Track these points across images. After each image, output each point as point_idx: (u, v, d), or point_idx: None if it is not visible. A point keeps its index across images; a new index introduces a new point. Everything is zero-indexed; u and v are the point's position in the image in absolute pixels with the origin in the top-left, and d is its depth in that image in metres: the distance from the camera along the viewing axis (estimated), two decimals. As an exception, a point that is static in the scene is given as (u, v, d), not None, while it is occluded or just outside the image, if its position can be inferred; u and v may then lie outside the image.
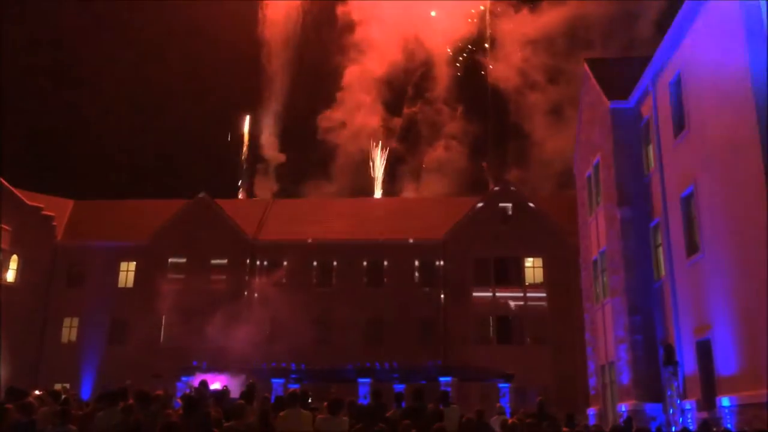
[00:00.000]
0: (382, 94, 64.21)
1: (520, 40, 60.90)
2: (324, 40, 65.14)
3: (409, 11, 63.26)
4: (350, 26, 63.40)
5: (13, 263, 37.36)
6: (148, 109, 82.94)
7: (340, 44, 65.06)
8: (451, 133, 63.97)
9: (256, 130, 64.49)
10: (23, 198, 38.02)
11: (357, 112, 63.17)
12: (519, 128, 73.20)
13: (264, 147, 63.41)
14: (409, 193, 55.35)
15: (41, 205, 38.68)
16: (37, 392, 13.28)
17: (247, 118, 64.62)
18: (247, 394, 11.42)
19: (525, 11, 62.83)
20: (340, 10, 64.09)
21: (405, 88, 66.98)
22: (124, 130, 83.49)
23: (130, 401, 9.99)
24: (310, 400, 12.48)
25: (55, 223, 39.11)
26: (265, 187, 60.32)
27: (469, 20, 61.91)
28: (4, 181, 37.61)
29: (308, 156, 65.66)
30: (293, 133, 66.06)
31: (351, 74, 63.67)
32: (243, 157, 63.32)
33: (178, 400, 12.59)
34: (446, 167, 60.39)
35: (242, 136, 64.84)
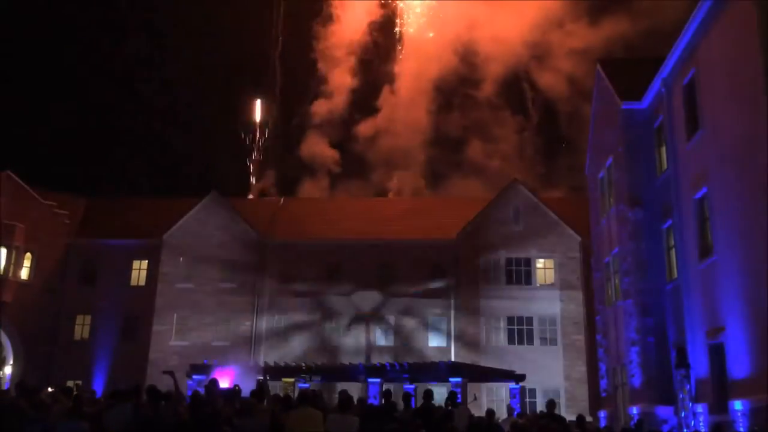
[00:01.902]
0: (431, 96, 64.62)
1: (574, 51, 61.20)
2: (380, 42, 65.38)
3: (465, 14, 63.63)
4: (404, 28, 63.67)
5: (27, 261, 37.63)
6: (171, 104, 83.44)
7: (392, 45, 65.33)
8: (500, 138, 64.50)
9: (303, 129, 65.05)
10: (37, 196, 38.29)
11: (404, 113, 63.66)
12: (559, 133, 73.51)
13: (312, 146, 63.94)
14: (452, 193, 55.34)
15: (55, 203, 38.95)
16: (49, 389, 13.38)
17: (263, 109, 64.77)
18: (258, 392, 11.45)
19: (584, 22, 63.16)
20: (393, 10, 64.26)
21: (454, 91, 67.45)
22: (141, 128, 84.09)
23: (142, 399, 10.05)
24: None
25: (68, 221, 39.38)
26: (317, 186, 60.79)
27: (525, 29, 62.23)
28: (18, 179, 37.88)
29: (355, 156, 66.07)
30: (340, 133, 66.67)
31: (402, 75, 63.97)
32: (256, 154, 63.66)
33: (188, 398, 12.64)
34: (493, 170, 60.69)
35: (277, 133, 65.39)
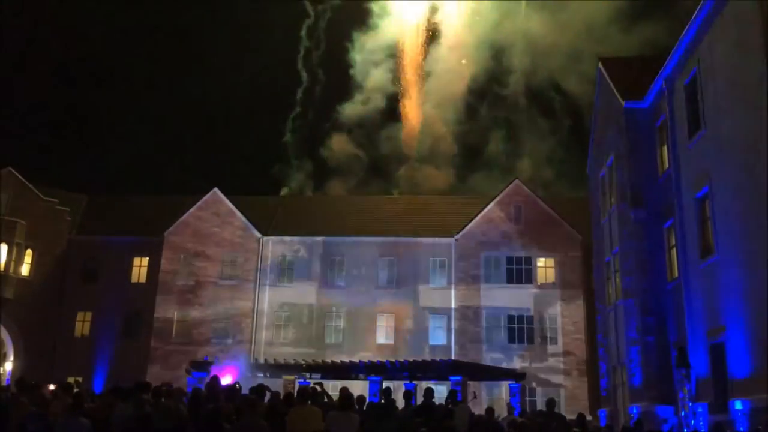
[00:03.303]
0: (462, 96, 64.94)
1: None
2: (415, 43, 65.68)
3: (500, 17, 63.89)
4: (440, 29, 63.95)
5: (28, 257, 37.66)
6: (175, 103, 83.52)
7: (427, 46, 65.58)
8: (528, 139, 65.00)
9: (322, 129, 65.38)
10: (38, 193, 38.31)
11: (434, 112, 64.02)
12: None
13: (338, 146, 64.38)
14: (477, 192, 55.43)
15: (56, 200, 38.97)
16: (50, 386, 13.34)
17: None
18: (258, 390, 11.45)
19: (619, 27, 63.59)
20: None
21: (485, 92, 67.77)
22: (146, 126, 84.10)
23: (142, 395, 10.05)
24: (326, 399, 12.45)
25: (69, 218, 39.39)
26: (343, 186, 61.17)
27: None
28: (19, 176, 37.91)
29: (383, 156, 66.61)
30: (369, 132, 67.19)
31: (434, 75, 64.18)
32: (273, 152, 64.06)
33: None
34: (520, 170, 61.07)
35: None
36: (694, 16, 17.74)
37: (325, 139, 66.59)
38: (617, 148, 23.64)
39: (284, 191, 55.45)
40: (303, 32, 65.22)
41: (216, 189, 39.21)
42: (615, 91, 23.43)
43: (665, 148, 20.91)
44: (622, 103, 22.58)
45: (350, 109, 64.87)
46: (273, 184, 68.66)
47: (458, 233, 36.92)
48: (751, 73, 15.01)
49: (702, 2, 17.14)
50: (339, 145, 64.59)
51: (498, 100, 67.90)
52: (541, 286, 35.88)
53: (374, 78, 64.88)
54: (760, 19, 14.52)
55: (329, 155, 65.13)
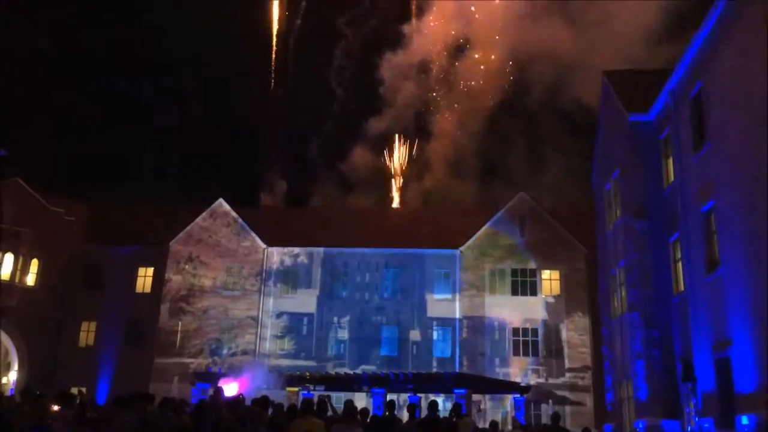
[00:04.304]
0: (488, 111, 65.48)
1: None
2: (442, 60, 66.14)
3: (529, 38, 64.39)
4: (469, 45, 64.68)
5: (34, 267, 37.74)
6: (181, 109, 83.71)
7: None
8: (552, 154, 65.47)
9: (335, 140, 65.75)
10: (44, 202, 38.43)
11: (458, 126, 64.54)
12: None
13: (360, 159, 64.89)
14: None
15: (61, 209, 39.07)
16: (55, 408, 13.20)
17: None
18: (261, 401, 11.43)
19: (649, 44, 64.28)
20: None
21: (510, 108, 68.40)
22: (149, 134, 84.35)
23: (145, 405, 10.04)
24: (330, 411, 12.36)
25: (75, 227, 39.47)
26: (363, 199, 61.65)
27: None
28: (26, 185, 38.06)
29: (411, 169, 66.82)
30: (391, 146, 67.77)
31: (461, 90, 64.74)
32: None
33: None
34: (543, 185, 61.24)
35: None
36: (699, 29, 17.76)
37: (350, 152, 67.13)
38: (622, 161, 23.61)
39: (313, 202, 55.99)
40: (338, 51, 66.01)
41: (221, 199, 39.30)
42: (620, 104, 23.44)
43: (670, 160, 20.88)
44: (627, 116, 22.58)
45: (377, 124, 65.47)
46: (298, 196, 69.01)
47: (463, 245, 36.88)
48: (756, 86, 14.99)
49: (707, 16, 17.17)
50: (363, 158, 65.12)
51: (523, 115, 68.62)
52: (547, 299, 35.78)
53: (402, 93, 65.63)
54: (766, 32, 14.51)
55: (354, 169, 65.61)
